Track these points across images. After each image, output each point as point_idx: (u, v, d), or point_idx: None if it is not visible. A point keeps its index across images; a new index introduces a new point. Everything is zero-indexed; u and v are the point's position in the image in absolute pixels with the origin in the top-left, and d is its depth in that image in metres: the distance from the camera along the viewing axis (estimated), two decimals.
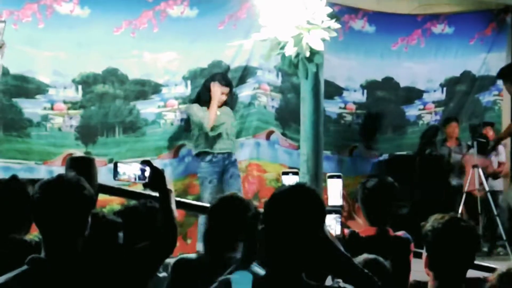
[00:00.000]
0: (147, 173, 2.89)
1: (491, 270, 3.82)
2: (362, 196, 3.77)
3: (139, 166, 2.90)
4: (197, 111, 7.05)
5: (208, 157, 7.02)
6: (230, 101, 7.28)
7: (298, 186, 2.36)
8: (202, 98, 7.09)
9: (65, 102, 6.91)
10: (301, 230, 2.23)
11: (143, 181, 2.89)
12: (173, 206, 2.91)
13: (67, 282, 2.56)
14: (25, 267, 2.58)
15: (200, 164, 7.07)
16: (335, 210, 3.03)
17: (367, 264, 2.90)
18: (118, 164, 2.88)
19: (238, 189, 6.97)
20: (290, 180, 3.12)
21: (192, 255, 3.43)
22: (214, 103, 7.00)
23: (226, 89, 7.12)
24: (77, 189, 2.63)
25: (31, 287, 2.53)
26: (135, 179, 2.88)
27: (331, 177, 3.30)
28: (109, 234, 2.97)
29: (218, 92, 7.02)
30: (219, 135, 7.05)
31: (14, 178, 3.29)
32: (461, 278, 2.85)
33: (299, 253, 2.24)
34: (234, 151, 7.18)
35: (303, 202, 2.26)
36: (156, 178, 2.89)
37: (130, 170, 2.89)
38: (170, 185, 2.94)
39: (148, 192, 3.40)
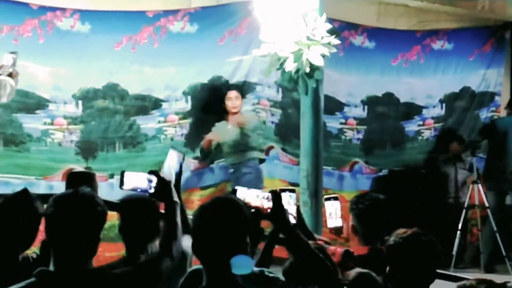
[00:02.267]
0: (153, 184, 2.88)
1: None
2: (354, 214, 3.75)
3: (146, 176, 2.89)
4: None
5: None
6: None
7: (219, 198, 2.61)
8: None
9: (65, 117, 6.93)
10: (224, 237, 2.45)
11: (150, 192, 2.88)
12: (178, 218, 2.90)
13: None
14: (32, 279, 2.57)
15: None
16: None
17: (360, 277, 2.93)
18: (125, 174, 2.87)
19: None
20: (286, 198, 3.14)
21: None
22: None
23: (233, 93, 7.35)
24: (91, 204, 2.62)
25: None
26: (142, 189, 2.87)
27: (328, 199, 3.31)
28: None
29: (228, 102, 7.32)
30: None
31: (25, 192, 3.26)
32: None
33: (226, 258, 2.43)
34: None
35: (223, 212, 2.49)
36: (163, 189, 2.89)
37: (137, 179, 2.88)
38: (176, 197, 2.94)
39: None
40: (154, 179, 2.88)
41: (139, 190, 2.88)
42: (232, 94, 7.39)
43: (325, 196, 3.34)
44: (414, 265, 2.83)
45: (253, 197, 2.86)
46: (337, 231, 3.54)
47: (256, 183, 7.15)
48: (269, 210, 2.80)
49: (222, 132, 7.32)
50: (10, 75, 5.03)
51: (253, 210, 2.79)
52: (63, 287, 2.56)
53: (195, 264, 2.86)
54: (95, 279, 2.61)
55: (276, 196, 2.80)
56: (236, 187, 2.86)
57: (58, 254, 2.60)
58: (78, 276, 2.58)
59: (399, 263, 2.85)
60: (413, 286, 2.85)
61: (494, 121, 8.73)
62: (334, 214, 3.22)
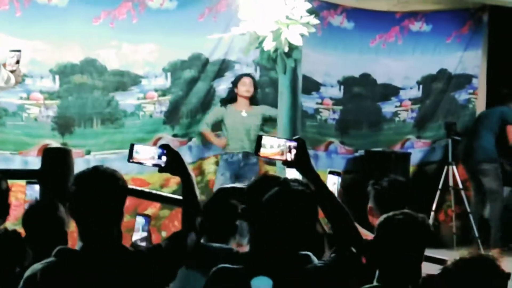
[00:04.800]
0: (164, 157, 2.81)
1: None
2: (376, 196, 3.75)
3: (155, 149, 2.83)
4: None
5: (225, 156, 7.33)
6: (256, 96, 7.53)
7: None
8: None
9: (41, 92, 6.86)
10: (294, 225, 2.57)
11: (160, 164, 2.83)
12: (197, 190, 2.88)
13: (104, 272, 2.58)
14: (52, 259, 2.58)
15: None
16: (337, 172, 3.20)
17: None
18: (135, 146, 2.84)
19: None
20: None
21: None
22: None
23: (248, 79, 7.40)
24: (113, 180, 2.65)
25: (63, 279, 2.54)
26: (152, 161, 2.82)
27: (332, 173, 3.33)
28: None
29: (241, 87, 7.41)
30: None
31: None
32: (408, 272, 2.87)
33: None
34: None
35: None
36: (176, 162, 2.84)
37: (146, 152, 2.84)
38: (190, 169, 2.90)
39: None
40: (165, 152, 2.81)
41: (148, 162, 2.84)
42: (247, 80, 7.45)
43: (329, 170, 3.36)
44: (405, 244, 2.83)
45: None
46: None
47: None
48: (292, 158, 2.75)
49: (233, 118, 7.37)
50: (12, 72, 4.99)
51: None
52: (90, 265, 2.57)
53: None
54: (123, 255, 2.64)
55: (300, 143, 2.76)
56: (261, 133, 2.83)
57: (85, 231, 2.63)
58: (106, 253, 2.60)
59: (389, 242, 2.84)
60: (402, 267, 2.85)
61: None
62: (333, 188, 3.23)
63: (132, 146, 2.84)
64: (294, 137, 2.84)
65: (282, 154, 2.75)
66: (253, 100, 7.51)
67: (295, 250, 2.62)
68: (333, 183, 3.27)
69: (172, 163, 2.82)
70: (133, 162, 2.86)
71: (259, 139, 2.76)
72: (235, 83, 7.49)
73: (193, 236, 2.80)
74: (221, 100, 7.58)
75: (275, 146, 2.75)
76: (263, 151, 2.76)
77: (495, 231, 8.26)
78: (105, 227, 2.62)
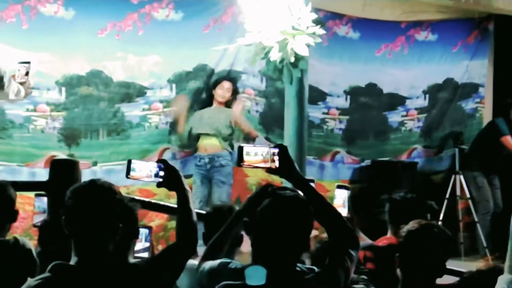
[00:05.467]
0: (161, 173, 2.82)
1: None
2: (391, 209, 3.75)
3: (153, 164, 2.83)
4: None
5: (194, 160, 7.20)
6: (235, 101, 7.39)
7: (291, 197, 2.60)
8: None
9: (48, 104, 6.87)
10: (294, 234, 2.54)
11: (158, 181, 2.82)
12: (192, 206, 2.88)
13: (100, 287, 2.57)
14: (47, 274, 2.56)
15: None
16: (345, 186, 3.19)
17: None
18: (132, 161, 2.83)
19: (221, 197, 6.98)
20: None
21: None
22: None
23: (228, 84, 7.27)
24: (110, 193, 2.64)
25: None
26: (150, 178, 2.82)
27: (340, 187, 3.31)
28: None
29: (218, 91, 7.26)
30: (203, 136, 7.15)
31: None
32: (429, 281, 2.90)
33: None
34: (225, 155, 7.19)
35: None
36: (173, 177, 2.84)
37: (143, 168, 2.83)
38: (186, 185, 2.90)
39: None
40: (162, 167, 2.82)
41: (146, 178, 2.83)
42: (226, 84, 7.35)
43: (337, 184, 3.34)
44: (428, 254, 2.89)
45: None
46: None
47: (228, 178, 7.15)
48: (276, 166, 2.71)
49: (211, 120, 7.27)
50: (22, 84, 4.99)
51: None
52: (85, 280, 2.56)
53: None
54: (118, 270, 2.63)
55: (283, 149, 2.72)
56: (242, 144, 2.80)
57: (80, 245, 2.61)
58: (101, 268, 2.58)
59: (413, 252, 2.90)
60: (424, 276, 2.89)
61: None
62: (340, 202, 3.21)
63: (129, 162, 2.83)
64: (276, 144, 2.81)
65: (266, 161, 2.72)
66: (229, 106, 7.34)
67: (295, 259, 2.57)
68: (341, 197, 3.25)
69: (169, 178, 2.83)
70: (130, 177, 2.85)
71: (240, 149, 2.72)
72: (214, 85, 7.38)
73: (187, 250, 2.82)
74: (198, 103, 7.48)
75: (259, 153, 2.71)
76: (248, 159, 2.72)
77: (481, 240, 8.16)
78: (101, 241, 2.61)
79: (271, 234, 2.52)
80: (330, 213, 2.74)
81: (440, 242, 2.91)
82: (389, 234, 3.77)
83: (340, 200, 3.21)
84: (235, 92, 7.41)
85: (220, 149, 7.18)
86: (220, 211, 3.75)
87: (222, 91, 7.33)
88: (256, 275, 2.43)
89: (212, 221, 3.62)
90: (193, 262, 3.19)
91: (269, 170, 2.75)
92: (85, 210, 2.60)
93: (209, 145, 7.21)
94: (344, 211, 3.16)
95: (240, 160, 2.72)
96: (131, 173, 2.82)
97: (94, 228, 2.60)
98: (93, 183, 2.68)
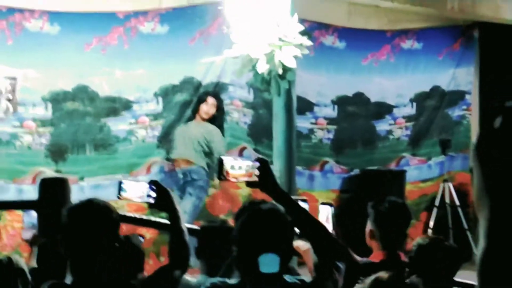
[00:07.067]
0: (153, 193, 2.82)
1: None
2: (376, 218, 3.73)
3: (144, 185, 2.83)
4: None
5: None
6: (219, 117, 7.37)
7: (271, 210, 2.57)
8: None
9: (34, 120, 6.82)
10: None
11: (149, 201, 2.83)
12: (184, 226, 2.88)
13: None
14: None
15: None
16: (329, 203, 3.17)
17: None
18: (123, 182, 2.83)
19: (185, 208, 6.86)
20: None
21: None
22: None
23: (212, 99, 7.25)
24: (106, 213, 2.63)
25: None
26: (141, 199, 2.82)
27: (324, 204, 3.29)
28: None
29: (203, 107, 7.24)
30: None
31: None
32: None
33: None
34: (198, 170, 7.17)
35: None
36: (164, 198, 2.84)
37: (134, 188, 2.83)
38: (178, 205, 2.90)
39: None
40: (154, 188, 2.82)
41: (137, 199, 2.83)
42: (210, 100, 7.32)
43: (321, 201, 3.32)
44: (438, 268, 2.97)
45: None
46: None
47: (197, 192, 7.12)
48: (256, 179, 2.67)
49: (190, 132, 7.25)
50: (9, 100, 4.95)
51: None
52: None
53: None
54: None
55: (263, 163, 2.68)
56: (222, 157, 2.75)
57: (76, 264, 2.60)
58: (98, 285, 2.58)
59: (423, 265, 2.97)
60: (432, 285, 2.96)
61: None
62: (323, 219, 3.19)
63: (120, 183, 2.82)
64: (256, 158, 2.79)
65: (250, 175, 2.67)
66: (212, 122, 7.33)
67: (279, 270, 2.52)
68: (325, 214, 3.23)
69: (161, 199, 2.83)
70: (121, 198, 2.83)
71: (220, 162, 2.66)
72: (198, 101, 7.34)
73: (178, 272, 2.82)
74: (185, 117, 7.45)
75: (243, 167, 2.66)
76: (232, 173, 2.66)
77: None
78: (97, 260, 2.60)
79: (251, 248, 2.49)
80: (314, 226, 2.73)
81: (450, 255, 3.03)
82: (373, 247, 3.71)
83: (324, 217, 3.19)
84: (219, 109, 7.40)
85: (194, 165, 7.15)
86: (213, 226, 3.74)
87: (207, 107, 7.31)
88: (270, 262, 2.41)
89: (205, 236, 3.61)
90: (187, 278, 3.18)
91: (249, 184, 2.72)
92: (82, 230, 2.59)
93: (183, 160, 7.20)
94: (328, 228, 3.14)
95: (220, 173, 2.66)
96: (122, 193, 2.81)
97: (91, 248, 2.59)
98: (90, 202, 2.66)
